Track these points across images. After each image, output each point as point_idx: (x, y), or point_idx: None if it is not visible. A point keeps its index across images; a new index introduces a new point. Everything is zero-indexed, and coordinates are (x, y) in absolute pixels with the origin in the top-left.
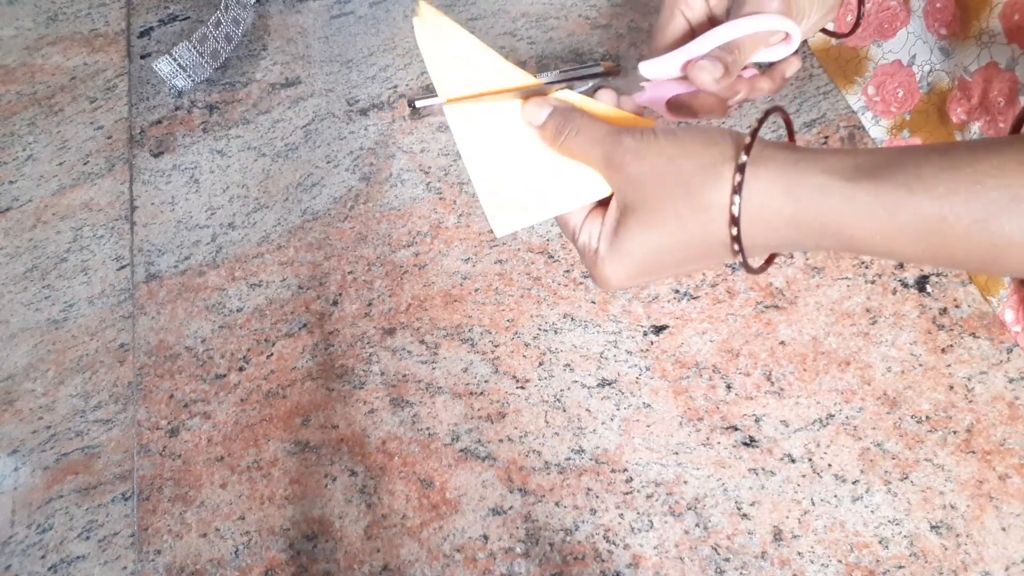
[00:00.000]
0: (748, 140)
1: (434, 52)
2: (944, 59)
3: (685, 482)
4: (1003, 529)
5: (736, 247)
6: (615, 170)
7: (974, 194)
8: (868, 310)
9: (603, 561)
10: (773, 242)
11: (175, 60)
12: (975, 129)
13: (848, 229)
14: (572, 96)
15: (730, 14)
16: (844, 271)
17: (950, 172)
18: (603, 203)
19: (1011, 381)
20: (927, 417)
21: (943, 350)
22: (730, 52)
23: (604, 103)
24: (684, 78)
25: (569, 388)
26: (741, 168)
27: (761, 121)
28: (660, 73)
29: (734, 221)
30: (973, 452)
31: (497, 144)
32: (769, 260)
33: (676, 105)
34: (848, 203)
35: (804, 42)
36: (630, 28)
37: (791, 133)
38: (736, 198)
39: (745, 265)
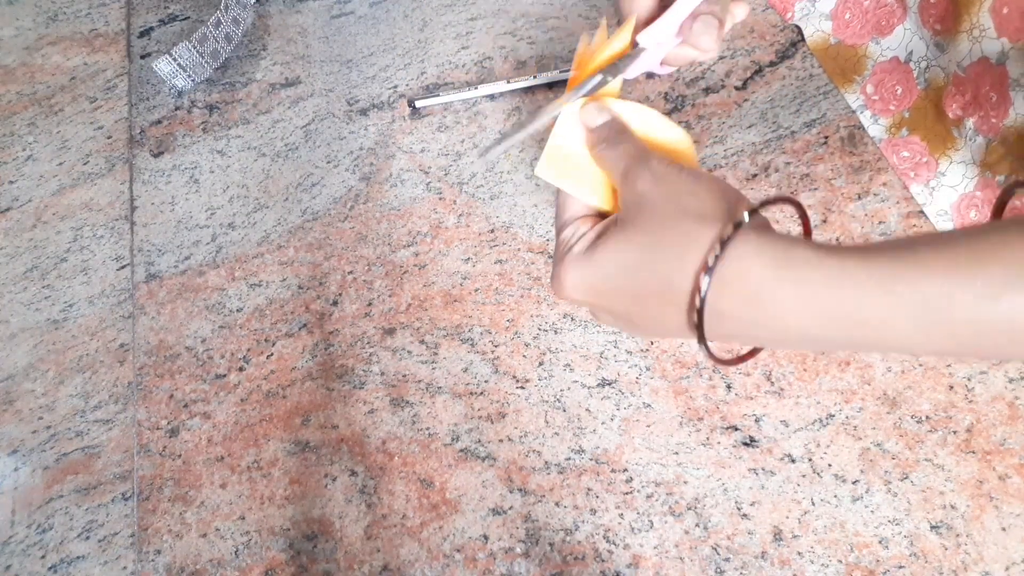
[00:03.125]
0: (754, 206)
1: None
2: (940, 54)
3: (685, 482)
4: (1003, 529)
5: (697, 301)
6: (628, 184)
7: (978, 270)
8: None
9: (603, 561)
10: (745, 317)
11: (175, 60)
12: (970, 124)
13: (839, 308)
14: (643, 113)
15: None
16: None
17: (947, 249)
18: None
19: (1011, 381)
20: (927, 417)
21: None
22: (715, 3)
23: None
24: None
25: (569, 388)
26: (737, 226)
27: (773, 200)
28: (658, 39)
29: (706, 268)
30: (973, 452)
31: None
32: (746, 356)
33: (669, 60)
34: (839, 277)
35: (800, 36)
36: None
37: (807, 227)
38: (714, 251)
39: (708, 353)
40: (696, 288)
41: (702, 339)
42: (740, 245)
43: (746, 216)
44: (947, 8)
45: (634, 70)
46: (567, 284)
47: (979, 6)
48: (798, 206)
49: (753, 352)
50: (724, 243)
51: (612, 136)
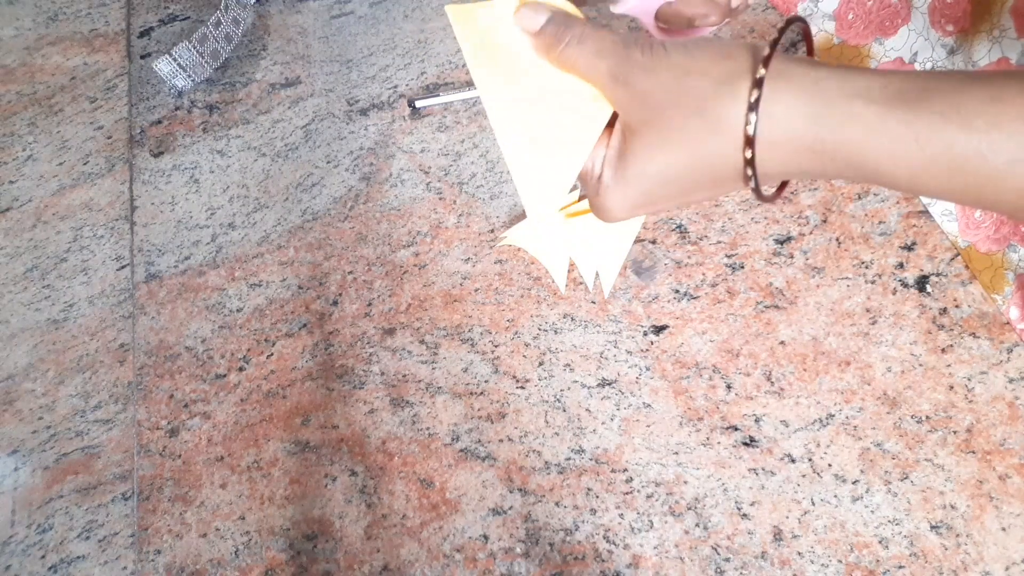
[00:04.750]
0: (767, 52)
1: (470, 40)
2: (947, 56)
3: (685, 482)
4: (1003, 529)
5: (749, 172)
6: (621, 86)
7: (1016, 131)
8: (868, 310)
9: (603, 561)
10: (790, 168)
11: (175, 60)
12: None
13: (873, 160)
14: (564, 5)
15: None
16: (844, 271)
17: (992, 105)
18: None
19: (1011, 381)
20: (927, 417)
21: (943, 350)
22: None
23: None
24: None
25: (569, 388)
26: (759, 83)
27: (781, 31)
28: None
29: (749, 143)
30: (973, 452)
31: (520, 102)
32: (780, 188)
33: (667, 16)
34: (876, 132)
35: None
36: (630, 28)
37: (810, 45)
38: (752, 116)
39: (757, 192)
40: (745, 162)
41: (760, 197)
42: (772, 107)
43: (762, 71)
44: (965, 8)
45: (623, 5)
46: (616, 212)
47: (1001, 6)
48: (803, 23)
49: (785, 183)
50: (755, 108)
51: (566, 31)
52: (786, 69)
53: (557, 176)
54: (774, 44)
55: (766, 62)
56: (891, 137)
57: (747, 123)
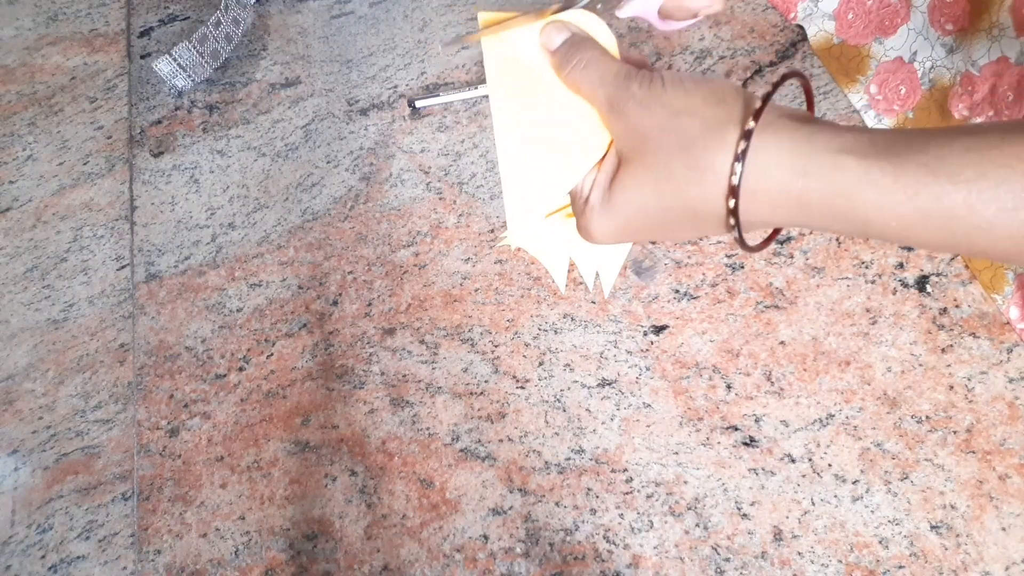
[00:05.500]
0: (759, 104)
1: (495, 56)
2: (946, 55)
3: (685, 482)
4: (1003, 529)
5: (732, 221)
6: (616, 116)
7: (1004, 180)
8: (868, 310)
9: (603, 561)
10: (774, 218)
11: (175, 60)
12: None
13: (861, 212)
14: (598, 27)
15: None
16: (844, 271)
17: (978, 155)
18: None
19: (1011, 381)
20: (927, 417)
21: (943, 350)
22: None
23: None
24: None
25: (569, 388)
26: (747, 135)
27: (776, 85)
28: None
29: (732, 192)
30: (973, 452)
31: (528, 116)
32: (770, 237)
33: (670, 11)
34: (863, 184)
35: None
36: (630, 28)
37: (810, 101)
38: (738, 167)
39: (740, 242)
40: (728, 211)
41: (744, 247)
42: (759, 158)
43: (751, 123)
44: (964, 7)
45: (629, 8)
46: (597, 235)
47: (999, 5)
48: (803, 78)
49: (776, 232)
50: (741, 158)
51: (576, 53)
52: (776, 121)
53: (543, 195)
54: (766, 98)
55: (757, 115)
56: (879, 190)
57: (732, 172)
